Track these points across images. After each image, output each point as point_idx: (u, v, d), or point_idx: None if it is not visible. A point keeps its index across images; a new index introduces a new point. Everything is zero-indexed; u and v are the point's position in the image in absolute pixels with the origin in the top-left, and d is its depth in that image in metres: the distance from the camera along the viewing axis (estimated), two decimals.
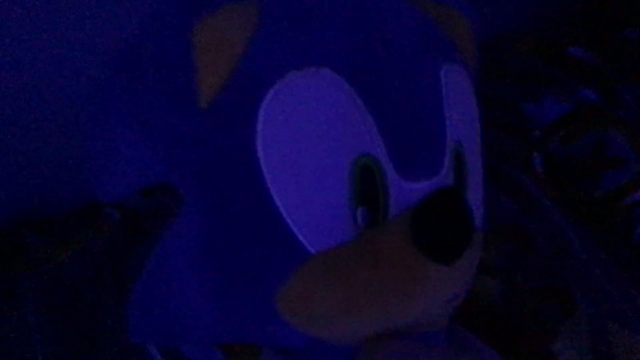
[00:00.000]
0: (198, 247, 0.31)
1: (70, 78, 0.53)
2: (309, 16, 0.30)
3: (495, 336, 0.37)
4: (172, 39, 0.29)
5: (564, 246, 0.52)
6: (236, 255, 0.30)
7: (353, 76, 0.29)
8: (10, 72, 0.52)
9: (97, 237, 0.49)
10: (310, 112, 0.28)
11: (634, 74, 0.63)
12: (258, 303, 0.30)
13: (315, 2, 0.31)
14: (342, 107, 0.28)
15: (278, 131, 0.28)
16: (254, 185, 0.29)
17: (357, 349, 0.31)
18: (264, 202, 0.29)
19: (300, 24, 0.30)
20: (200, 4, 0.29)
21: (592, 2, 0.74)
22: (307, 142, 0.28)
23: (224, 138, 0.29)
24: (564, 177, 0.56)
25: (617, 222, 0.54)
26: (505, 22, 0.66)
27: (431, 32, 0.33)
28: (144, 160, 0.31)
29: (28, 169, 0.55)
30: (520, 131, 0.58)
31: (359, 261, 0.29)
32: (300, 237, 0.29)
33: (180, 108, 0.29)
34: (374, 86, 0.29)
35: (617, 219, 0.54)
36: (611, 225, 0.53)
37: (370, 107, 0.29)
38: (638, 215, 0.53)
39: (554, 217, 0.54)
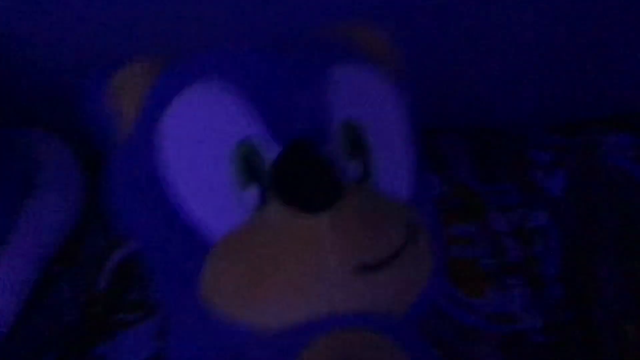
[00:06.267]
0: (147, 261, 0.36)
1: None
2: (207, 52, 0.35)
3: None
4: (95, 97, 0.35)
5: None
6: (166, 260, 0.33)
7: (234, 80, 0.32)
8: None
9: None
10: (199, 113, 0.32)
11: None
12: (193, 302, 0.32)
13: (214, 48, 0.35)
14: (224, 103, 0.32)
15: (176, 135, 0.32)
16: (164, 192, 0.32)
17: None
18: (172, 206, 0.32)
19: (195, 56, 0.35)
20: (112, 68, 0.35)
21: None
22: (196, 138, 0.32)
23: (142, 155, 0.33)
24: None
25: None
26: None
27: (326, 43, 0.37)
28: None
29: None
30: None
31: (253, 239, 0.30)
32: (203, 227, 0.31)
33: (118, 145, 0.35)
34: (255, 85, 0.32)
35: None
36: None
37: (249, 99, 0.32)
38: None
39: None
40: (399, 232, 0.32)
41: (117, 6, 0.54)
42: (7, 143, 0.51)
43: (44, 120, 0.58)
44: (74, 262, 0.52)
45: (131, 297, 0.51)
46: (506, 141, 0.65)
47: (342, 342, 0.30)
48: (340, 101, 0.33)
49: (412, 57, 0.40)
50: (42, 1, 0.53)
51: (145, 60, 0.36)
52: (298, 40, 0.36)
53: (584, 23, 0.61)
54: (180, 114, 0.32)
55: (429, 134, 0.39)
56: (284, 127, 0.31)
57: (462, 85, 0.64)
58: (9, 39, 0.56)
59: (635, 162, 0.61)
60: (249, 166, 0.31)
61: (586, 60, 0.64)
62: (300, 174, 0.29)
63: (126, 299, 0.51)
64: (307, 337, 0.30)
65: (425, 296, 0.33)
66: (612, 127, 0.65)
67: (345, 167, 0.31)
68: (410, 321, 0.33)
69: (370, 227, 0.30)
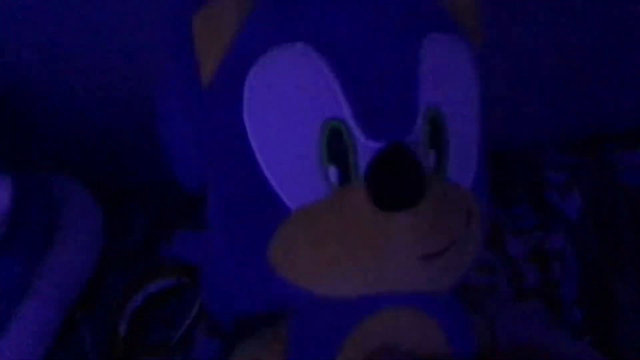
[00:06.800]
0: (214, 210, 0.36)
1: None
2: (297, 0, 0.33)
3: None
4: (177, 30, 0.34)
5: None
6: (237, 216, 0.35)
7: (325, 49, 0.32)
8: None
9: None
10: (284, 81, 0.32)
11: None
12: (257, 260, 0.34)
13: None
14: (312, 76, 0.31)
15: (259, 100, 0.32)
16: (244, 152, 0.33)
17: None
18: (252, 167, 0.33)
19: (287, 5, 0.33)
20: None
21: None
22: (281, 109, 0.32)
23: (220, 111, 0.34)
24: None
25: None
26: None
27: (419, 3, 0.35)
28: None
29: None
30: None
31: (330, 218, 0.32)
32: (281, 195, 0.32)
33: (191, 89, 0.34)
34: (345, 57, 0.32)
35: None
36: None
37: (339, 75, 0.31)
38: None
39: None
40: (461, 222, 0.34)
41: (132, 54, 0.54)
42: (29, 188, 0.52)
43: (63, 164, 0.59)
44: (94, 307, 0.53)
45: (153, 339, 0.52)
46: (520, 163, 0.65)
47: (388, 324, 0.33)
48: (427, 84, 0.33)
49: None
50: (59, 53, 0.54)
51: None
52: None
53: (593, 39, 0.61)
54: (266, 76, 0.32)
55: None
56: (370, 115, 0.32)
57: None
58: (28, 88, 0.57)
59: None
60: (331, 146, 0.32)
61: (597, 76, 0.64)
62: (391, 177, 0.31)
63: (148, 342, 0.52)
64: (360, 312, 0.33)
65: (468, 272, 0.36)
66: (627, 144, 0.65)
67: (426, 159, 0.33)
68: (452, 296, 0.36)
69: (440, 223, 0.32)
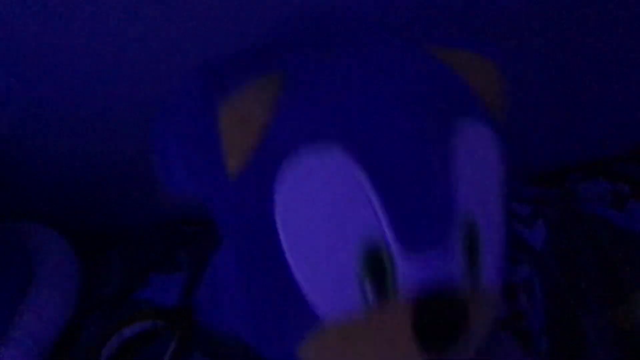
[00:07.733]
0: (237, 275, 0.35)
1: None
2: (326, 88, 0.32)
3: None
4: (199, 118, 0.32)
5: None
6: (263, 299, 0.34)
7: (360, 153, 0.30)
8: None
9: None
10: (320, 189, 0.30)
11: None
12: (281, 340, 0.34)
13: (334, 72, 0.32)
14: (348, 185, 0.30)
15: (292, 203, 0.31)
16: (274, 249, 0.31)
17: None
18: (281, 267, 0.31)
19: (317, 98, 0.32)
20: (226, 82, 0.31)
21: None
22: (317, 218, 0.30)
23: (250, 207, 0.32)
24: None
25: None
26: None
27: (449, 86, 0.34)
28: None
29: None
30: None
31: (367, 338, 0.31)
32: (312, 303, 0.31)
33: (214, 177, 0.32)
34: (381, 163, 0.30)
35: None
36: None
37: (375, 184, 0.30)
38: None
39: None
40: (485, 332, 0.34)
41: (109, 104, 0.56)
42: (5, 237, 0.53)
43: (38, 212, 0.60)
44: (70, 353, 0.53)
45: None
46: None
47: None
48: (461, 189, 0.31)
49: None
50: (37, 103, 0.55)
51: (258, 86, 0.31)
52: (416, 78, 0.33)
53: (554, 73, 0.63)
54: (299, 178, 0.30)
55: None
56: (408, 229, 0.30)
57: None
58: (3, 137, 0.58)
59: (613, 208, 0.62)
60: (368, 260, 0.30)
61: (558, 109, 0.65)
62: (437, 318, 0.30)
63: None
64: None
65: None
66: (588, 174, 0.66)
67: (464, 276, 0.32)
68: None
69: (469, 347, 0.33)
